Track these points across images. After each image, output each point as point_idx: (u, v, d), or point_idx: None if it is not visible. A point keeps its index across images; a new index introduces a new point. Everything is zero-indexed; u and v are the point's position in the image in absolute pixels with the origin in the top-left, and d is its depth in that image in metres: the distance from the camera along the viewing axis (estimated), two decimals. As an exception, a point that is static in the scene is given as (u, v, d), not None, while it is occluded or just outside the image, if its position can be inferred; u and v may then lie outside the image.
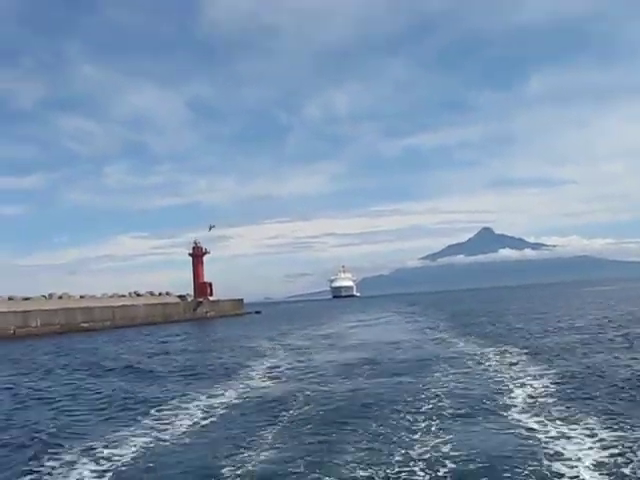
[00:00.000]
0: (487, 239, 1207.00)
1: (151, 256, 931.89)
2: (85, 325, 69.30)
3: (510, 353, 26.76)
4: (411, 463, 11.39)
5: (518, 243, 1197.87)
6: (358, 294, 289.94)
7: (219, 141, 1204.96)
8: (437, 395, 17.81)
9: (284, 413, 16.77)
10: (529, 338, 32.87)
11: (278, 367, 27.25)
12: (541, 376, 19.89)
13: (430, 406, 16.31)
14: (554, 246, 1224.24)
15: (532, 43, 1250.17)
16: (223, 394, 20.26)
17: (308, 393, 19.45)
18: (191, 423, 16.21)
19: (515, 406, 15.80)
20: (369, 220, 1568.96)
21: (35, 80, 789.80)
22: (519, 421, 14.21)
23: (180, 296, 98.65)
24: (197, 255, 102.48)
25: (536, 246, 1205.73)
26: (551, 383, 18.58)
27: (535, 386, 18.25)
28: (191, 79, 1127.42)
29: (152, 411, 17.80)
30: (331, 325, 61.70)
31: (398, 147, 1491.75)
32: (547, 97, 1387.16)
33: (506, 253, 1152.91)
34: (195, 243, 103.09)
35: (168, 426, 15.82)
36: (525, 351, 26.70)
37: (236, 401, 19.05)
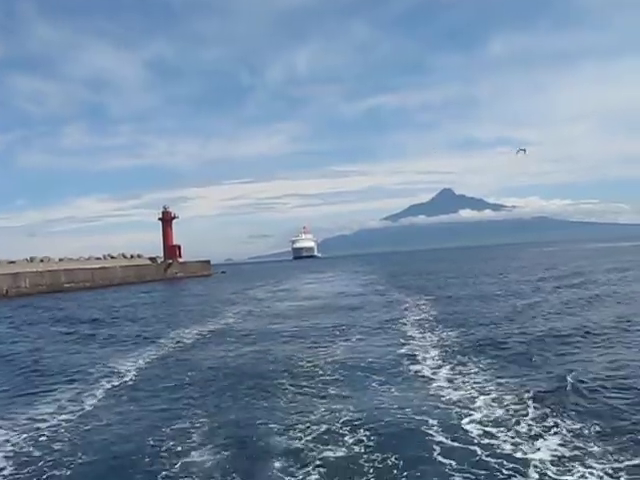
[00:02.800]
0: (448, 200, 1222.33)
1: (113, 218, 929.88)
2: (68, 285, 76.33)
3: (426, 304, 32.38)
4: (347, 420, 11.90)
5: (478, 204, 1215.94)
6: (319, 255, 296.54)
7: (179, 102, 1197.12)
8: (357, 351, 19.52)
9: (225, 365, 18.37)
10: (458, 299, 35.31)
11: (234, 320, 31.36)
12: (454, 334, 21.65)
13: (348, 364, 17.41)
14: (513, 207, 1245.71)
15: (493, 7, 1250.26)
16: (158, 352, 22.03)
17: (258, 349, 21.18)
18: (130, 378, 17.39)
19: (425, 361, 17.22)
20: (330, 181, 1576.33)
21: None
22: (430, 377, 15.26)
23: (151, 258, 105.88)
24: (166, 219, 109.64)
25: (496, 207, 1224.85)
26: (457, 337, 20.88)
27: (445, 340, 20.36)
28: (149, 39, 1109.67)
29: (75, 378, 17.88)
30: (289, 282, 70.78)
31: (359, 108, 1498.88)
32: (508, 60, 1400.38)
33: (466, 214, 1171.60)
34: (164, 208, 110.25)
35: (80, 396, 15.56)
36: (445, 310, 29.55)
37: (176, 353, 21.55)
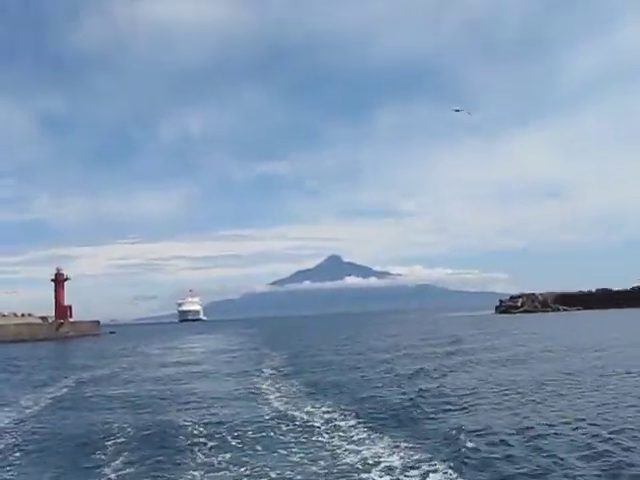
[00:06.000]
0: (335, 266, 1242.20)
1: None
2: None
3: (299, 365, 36.81)
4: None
5: (364, 271, 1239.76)
6: (205, 318, 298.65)
7: (69, 157, 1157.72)
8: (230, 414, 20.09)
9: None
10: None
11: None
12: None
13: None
14: (398, 275, 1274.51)
15: (377, 81, 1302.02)
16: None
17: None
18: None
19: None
20: (220, 244, 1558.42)
21: None
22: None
23: (42, 317, 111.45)
24: (59, 280, 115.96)
25: (381, 274, 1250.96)
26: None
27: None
28: (39, 92, 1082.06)
29: None
30: (175, 342, 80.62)
31: (250, 173, 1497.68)
32: (391, 133, 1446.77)
33: (352, 280, 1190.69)
34: (57, 270, 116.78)
35: None
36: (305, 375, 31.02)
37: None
